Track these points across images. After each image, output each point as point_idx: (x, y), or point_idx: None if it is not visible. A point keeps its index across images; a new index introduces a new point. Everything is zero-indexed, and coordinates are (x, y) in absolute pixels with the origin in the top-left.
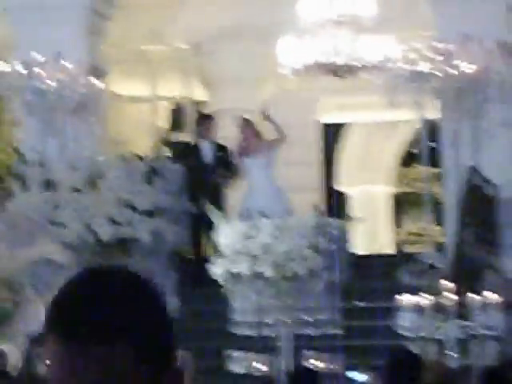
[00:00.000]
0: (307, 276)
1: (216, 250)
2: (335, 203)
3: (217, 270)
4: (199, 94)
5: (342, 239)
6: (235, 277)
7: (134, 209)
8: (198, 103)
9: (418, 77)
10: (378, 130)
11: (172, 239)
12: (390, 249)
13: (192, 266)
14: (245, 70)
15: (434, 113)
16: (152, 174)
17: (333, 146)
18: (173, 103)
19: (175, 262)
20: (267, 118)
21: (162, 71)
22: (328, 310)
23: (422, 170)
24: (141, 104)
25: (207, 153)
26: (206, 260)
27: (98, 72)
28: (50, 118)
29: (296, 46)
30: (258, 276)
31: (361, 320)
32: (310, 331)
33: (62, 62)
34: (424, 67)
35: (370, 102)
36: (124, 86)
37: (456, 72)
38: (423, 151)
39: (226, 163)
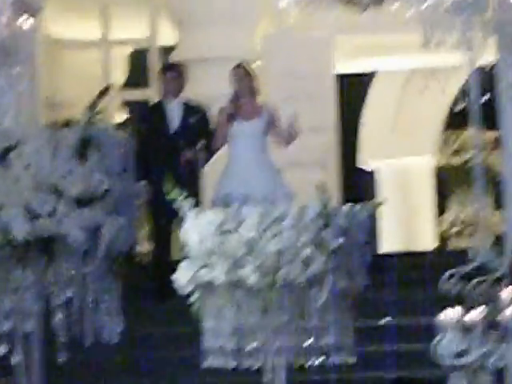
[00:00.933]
0: (307, 284)
1: (181, 250)
2: (355, 182)
3: (181, 276)
4: (166, 36)
5: (356, 232)
6: (207, 286)
7: (59, 195)
8: (164, 49)
9: (466, 6)
10: (413, 82)
11: (113, 236)
12: (429, 244)
13: (144, 273)
14: (229, 3)
15: (488, 56)
16: (85, 146)
17: (352, 105)
18: (131, 49)
19: (118, 267)
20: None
21: (115, 6)
22: (336, 331)
23: (473, 134)
24: (88, 51)
25: (175, 116)
26: (164, 264)
27: (26, 8)
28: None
29: None
30: (239, 284)
31: (382, 344)
32: (311, 361)
33: None
34: None
35: (401, 42)
36: (65, 26)
37: None
38: (474, 108)
39: (202, 130)
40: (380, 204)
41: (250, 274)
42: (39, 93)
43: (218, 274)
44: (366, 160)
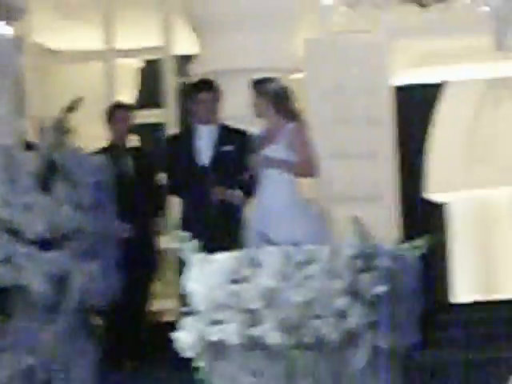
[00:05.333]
0: (342, 342)
1: (185, 304)
2: (419, 218)
3: (185, 336)
4: (184, 45)
5: (404, 277)
6: (216, 347)
7: (17, 235)
8: (182, 59)
9: None
10: (492, 93)
11: (85, 285)
12: None
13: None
14: (262, 3)
15: None
16: (50, 174)
17: (416, 125)
18: (140, 61)
19: (93, 324)
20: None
21: (121, 9)
22: None
23: None
24: (89, 63)
25: (207, 145)
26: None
27: (7, 12)
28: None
29: None
30: (256, 345)
31: None
32: None
33: None
34: None
35: (472, 47)
36: (59, 35)
37: None
38: None
39: (241, 161)
40: (436, 240)
41: (269, 332)
42: (29, 111)
43: (230, 332)
44: (433, 191)
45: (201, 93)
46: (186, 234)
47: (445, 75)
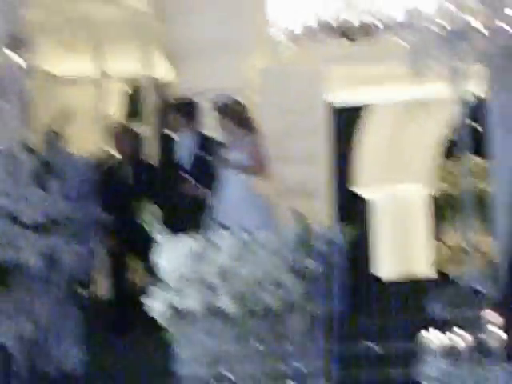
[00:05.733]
0: (285, 310)
1: (154, 277)
2: (350, 211)
3: (155, 304)
4: (161, 71)
5: (334, 257)
6: (181, 314)
7: (16, 221)
8: (159, 84)
9: (457, 36)
10: (408, 112)
11: (72, 264)
12: (424, 270)
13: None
14: (224, 37)
15: (479, 86)
16: (44, 171)
17: (347, 136)
18: (127, 85)
19: (79, 295)
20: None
21: (111, 42)
22: (317, 357)
23: (466, 162)
24: (83, 87)
25: (186, 150)
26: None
27: (15, 43)
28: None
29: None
30: (215, 312)
31: (366, 369)
32: None
33: None
34: (465, 22)
35: (395, 74)
36: (59, 62)
37: (509, 28)
38: (463, 137)
39: (209, 165)
40: (356, 229)
41: (226, 302)
42: (32, 128)
43: (192, 301)
44: (362, 189)
45: (182, 108)
46: (155, 218)
47: (372, 97)
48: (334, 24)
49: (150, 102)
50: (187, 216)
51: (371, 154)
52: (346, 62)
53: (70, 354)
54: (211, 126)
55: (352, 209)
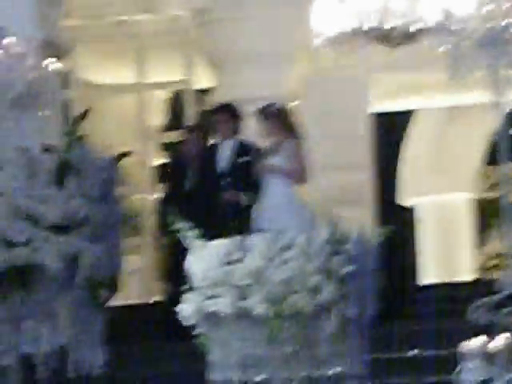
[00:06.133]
0: (315, 313)
1: (186, 282)
2: (393, 219)
3: (186, 308)
4: (203, 78)
5: (366, 259)
6: (211, 317)
7: (36, 222)
8: (201, 91)
9: (497, 41)
10: (452, 118)
11: (93, 264)
12: (468, 276)
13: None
14: (265, 44)
15: None
16: (63, 171)
17: (390, 143)
18: (168, 92)
19: (100, 297)
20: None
21: (151, 49)
22: (350, 361)
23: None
24: (123, 95)
25: (224, 156)
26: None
27: (55, 51)
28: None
29: (333, 6)
30: (245, 315)
31: (401, 374)
32: None
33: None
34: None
35: (437, 80)
36: (99, 71)
37: None
38: (505, 143)
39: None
40: (389, 231)
41: (256, 305)
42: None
43: (222, 304)
44: (405, 197)
45: (218, 114)
46: (188, 225)
47: (414, 104)
48: (375, 30)
49: (192, 110)
50: (228, 222)
51: (415, 161)
52: (389, 69)
53: (93, 358)
54: (252, 131)
55: (395, 216)
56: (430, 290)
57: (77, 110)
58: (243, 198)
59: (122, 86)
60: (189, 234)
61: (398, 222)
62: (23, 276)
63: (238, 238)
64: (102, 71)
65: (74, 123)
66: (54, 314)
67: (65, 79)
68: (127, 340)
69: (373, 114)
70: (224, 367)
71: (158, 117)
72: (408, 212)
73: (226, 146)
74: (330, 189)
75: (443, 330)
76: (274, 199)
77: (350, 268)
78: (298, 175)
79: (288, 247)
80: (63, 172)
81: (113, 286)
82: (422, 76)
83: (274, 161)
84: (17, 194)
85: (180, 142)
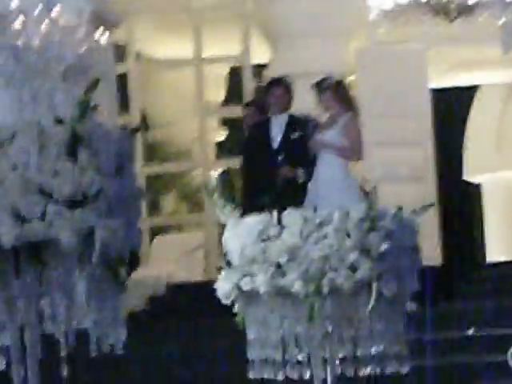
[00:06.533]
0: (355, 291)
1: (223, 259)
2: (458, 196)
3: (222, 286)
4: (260, 53)
5: (404, 236)
6: (248, 295)
7: (49, 196)
8: (257, 66)
9: None
10: None
11: (108, 239)
12: None
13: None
14: (322, 19)
15: None
16: (76, 144)
17: (449, 119)
18: (226, 67)
19: (120, 273)
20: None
21: (208, 23)
22: (389, 340)
23: None
24: (181, 69)
25: (278, 131)
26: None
27: (106, 23)
28: (31, 88)
29: None
30: (282, 293)
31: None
32: (363, 371)
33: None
34: None
35: (497, 55)
36: (157, 45)
37: None
38: None
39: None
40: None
41: (293, 282)
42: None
43: (259, 282)
44: (471, 174)
45: (272, 88)
46: (223, 200)
47: (478, 79)
48: (432, 3)
49: (250, 85)
50: (279, 197)
51: (479, 138)
52: (451, 43)
53: (115, 337)
54: (308, 106)
55: (460, 193)
56: (496, 268)
57: (133, 84)
58: (299, 174)
59: (179, 61)
60: (225, 210)
61: (463, 199)
62: (38, 252)
63: (274, 213)
64: (160, 45)
65: (86, 93)
66: (71, 291)
67: (119, 52)
68: (189, 317)
69: (434, 90)
70: (262, 346)
71: (216, 92)
72: (474, 189)
73: (279, 120)
74: (387, 165)
75: (507, 309)
76: (327, 175)
77: (385, 245)
78: (353, 151)
79: (324, 224)
80: (75, 144)
81: (132, 263)
82: (484, 50)
83: (328, 136)
84: (28, 168)
85: (239, 117)
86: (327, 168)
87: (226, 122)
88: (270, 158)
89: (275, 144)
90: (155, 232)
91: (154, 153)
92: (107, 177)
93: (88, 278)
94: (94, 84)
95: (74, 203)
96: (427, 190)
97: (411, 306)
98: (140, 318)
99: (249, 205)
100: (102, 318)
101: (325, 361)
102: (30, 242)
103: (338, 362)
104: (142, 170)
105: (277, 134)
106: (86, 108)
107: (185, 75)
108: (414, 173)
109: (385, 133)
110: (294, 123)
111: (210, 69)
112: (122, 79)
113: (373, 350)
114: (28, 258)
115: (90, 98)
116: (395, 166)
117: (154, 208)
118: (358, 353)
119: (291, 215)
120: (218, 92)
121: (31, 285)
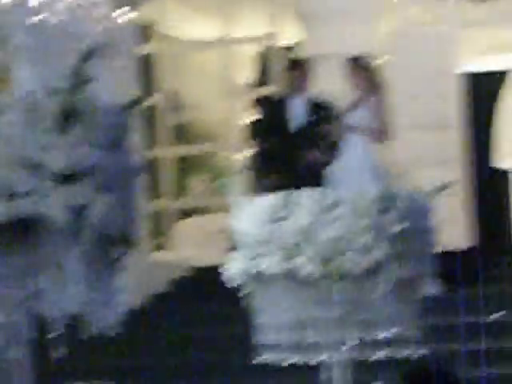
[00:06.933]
0: (368, 273)
1: (230, 240)
2: (488, 181)
3: (231, 268)
4: (291, 33)
5: (419, 218)
6: (259, 278)
7: (39, 171)
8: (288, 47)
9: None
10: None
11: (103, 216)
12: None
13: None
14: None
15: None
16: (68, 116)
17: (482, 104)
18: (255, 47)
19: (115, 252)
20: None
21: (236, 4)
22: (403, 325)
23: None
24: (209, 50)
25: (299, 113)
26: None
27: (131, 2)
28: (53, 66)
29: None
30: (294, 275)
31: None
32: (377, 355)
33: None
34: None
35: None
36: (184, 25)
37: None
38: None
39: (327, 128)
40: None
41: (305, 264)
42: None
43: (270, 264)
44: (501, 159)
45: (292, 69)
46: (231, 181)
47: (508, 63)
48: None
49: (279, 65)
50: (302, 181)
51: (509, 123)
52: (482, 25)
53: (106, 318)
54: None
55: (489, 178)
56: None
57: (160, 65)
58: (324, 158)
59: (207, 41)
60: (234, 190)
61: (492, 184)
62: (27, 229)
63: (284, 193)
64: (187, 25)
65: (79, 62)
66: (62, 270)
67: (143, 32)
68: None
69: (465, 73)
70: (272, 329)
71: (245, 73)
72: (504, 174)
73: (298, 102)
74: (416, 149)
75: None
76: (353, 158)
77: (400, 226)
78: (382, 132)
79: (336, 204)
80: (68, 117)
81: (127, 242)
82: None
83: (356, 117)
84: (20, 142)
85: (267, 98)
86: (353, 150)
87: (256, 104)
88: (291, 140)
89: (296, 126)
90: (183, 214)
91: (182, 134)
92: (102, 151)
93: (80, 257)
94: (89, 54)
95: (65, 179)
96: (456, 174)
97: (432, 289)
98: (163, 301)
99: (263, 186)
100: (94, 298)
101: (337, 344)
102: (20, 218)
103: (349, 346)
104: (170, 151)
105: (297, 116)
106: (79, 79)
107: (213, 56)
108: (443, 156)
109: (414, 115)
110: (315, 105)
111: (239, 50)
112: (148, 59)
113: (384, 334)
114: (16, 235)
115: (83, 68)
116: (424, 150)
117: (183, 190)
118: (371, 336)
119: (303, 194)
120: (247, 74)
121: (19, 264)
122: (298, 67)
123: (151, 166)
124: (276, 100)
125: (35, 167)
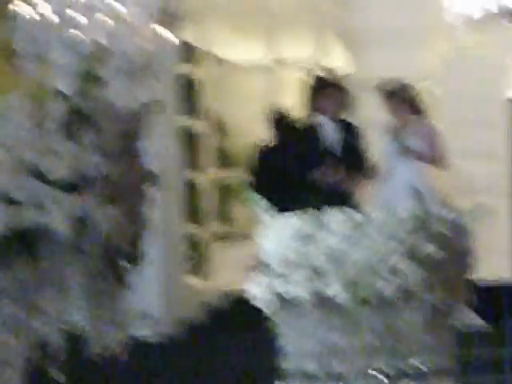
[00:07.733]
0: (401, 300)
1: (257, 262)
2: None
3: (258, 291)
4: (338, 58)
5: (456, 240)
6: (286, 302)
7: (43, 179)
8: (333, 71)
9: None
10: None
11: (108, 230)
12: None
13: None
14: (402, 25)
15: None
16: (75, 120)
17: None
18: (302, 72)
19: (120, 268)
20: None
21: (282, 26)
22: (438, 354)
23: None
24: (253, 72)
25: (328, 135)
26: None
27: (173, 21)
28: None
29: None
30: (324, 301)
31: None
32: None
33: (116, 5)
34: None
35: None
36: (229, 46)
37: None
38: None
39: (355, 150)
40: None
41: (336, 289)
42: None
43: (298, 288)
44: None
45: (323, 90)
46: (260, 196)
47: None
48: None
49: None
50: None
51: None
52: None
53: (110, 337)
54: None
55: None
56: None
57: (204, 88)
58: (352, 181)
59: (251, 64)
60: (261, 206)
61: None
62: (28, 241)
63: (312, 212)
64: (232, 48)
65: (89, 64)
66: (64, 285)
67: (187, 53)
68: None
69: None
70: (299, 358)
71: (290, 98)
72: None
73: (332, 124)
74: (464, 176)
75: None
76: (401, 181)
77: (432, 248)
78: (437, 160)
79: (370, 226)
80: (75, 122)
81: (133, 256)
82: None
83: (411, 142)
84: (22, 147)
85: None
86: (403, 175)
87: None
88: (323, 161)
89: (331, 148)
90: (222, 240)
91: (225, 158)
92: (110, 158)
93: (84, 272)
94: (101, 56)
95: (70, 187)
96: (502, 205)
97: (470, 320)
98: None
99: (288, 205)
100: (97, 316)
101: (364, 374)
102: (21, 229)
103: (379, 375)
104: (212, 175)
105: (332, 139)
106: (89, 82)
107: (257, 79)
108: (489, 186)
109: (463, 142)
110: (349, 128)
111: (284, 73)
112: (192, 82)
113: (417, 364)
114: (17, 248)
115: (94, 70)
116: (471, 178)
117: (224, 216)
118: (402, 366)
119: (337, 216)
120: (291, 97)
121: (20, 278)
122: (325, 87)
123: (192, 190)
124: (293, 121)
125: (38, 174)
